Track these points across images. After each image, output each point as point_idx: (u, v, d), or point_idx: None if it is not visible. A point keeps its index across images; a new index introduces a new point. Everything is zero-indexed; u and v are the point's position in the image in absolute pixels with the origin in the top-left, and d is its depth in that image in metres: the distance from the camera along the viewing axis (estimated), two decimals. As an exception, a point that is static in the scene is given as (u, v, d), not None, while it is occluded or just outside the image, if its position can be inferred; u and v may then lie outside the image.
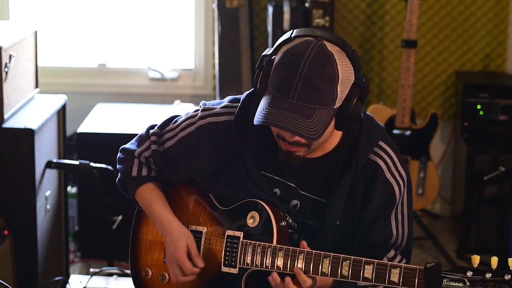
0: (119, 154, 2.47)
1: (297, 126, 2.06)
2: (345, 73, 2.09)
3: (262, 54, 2.18)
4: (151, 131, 2.41)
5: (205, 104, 2.38)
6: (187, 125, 2.35)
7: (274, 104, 2.08)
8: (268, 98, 2.11)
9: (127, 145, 2.46)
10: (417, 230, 4.53)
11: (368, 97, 5.22)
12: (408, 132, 4.56)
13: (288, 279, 2.17)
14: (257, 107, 2.14)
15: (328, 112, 2.08)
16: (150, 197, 2.39)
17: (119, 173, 2.45)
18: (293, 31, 2.15)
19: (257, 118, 2.10)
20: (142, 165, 2.40)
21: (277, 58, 2.13)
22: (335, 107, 2.09)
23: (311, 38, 2.11)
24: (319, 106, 2.07)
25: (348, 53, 2.10)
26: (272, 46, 2.20)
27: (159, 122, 2.43)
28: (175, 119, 2.40)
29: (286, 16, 4.49)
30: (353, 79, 2.11)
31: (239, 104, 2.28)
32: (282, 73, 2.09)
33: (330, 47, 2.09)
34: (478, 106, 4.59)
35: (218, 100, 2.39)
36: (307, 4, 4.53)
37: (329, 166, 2.25)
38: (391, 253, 2.27)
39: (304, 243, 2.19)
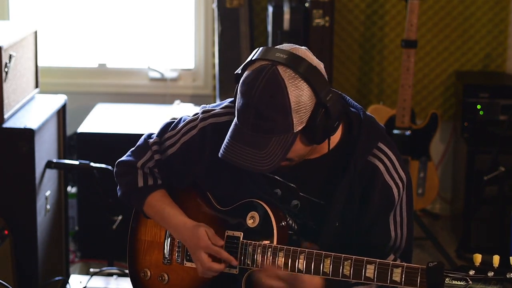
0: (116, 169, 2.44)
1: (249, 159, 2.07)
2: (299, 98, 2.05)
3: (235, 72, 2.18)
4: (151, 140, 2.39)
5: (204, 107, 2.38)
6: (188, 129, 2.35)
7: (233, 135, 2.11)
8: (232, 124, 2.13)
9: (124, 158, 2.44)
10: (417, 230, 4.52)
11: (368, 97, 5.21)
12: (408, 132, 4.56)
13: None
14: None
15: (287, 138, 2.08)
16: (160, 203, 2.38)
17: (122, 187, 2.43)
18: (258, 50, 2.13)
19: (221, 149, 2.13)
20: (147, 175, 2.39)
21: (240, 81, 2.13)
22: (295, 131, 2.08)
23: (267, 63, 2.08)
24: (273, 135, 2.07)
25: (302, 75, 2.06)
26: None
27: (156, 130, 2.42)
28: (172, 125, 2.39)
29: (286, 16, 4.49)
30: (314, 100, 2.08)
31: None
32: (239, 101, 2.10)
33: (283, 72, 2.06)
34: (478, 106, 4.58)
35: (218, 103, 2.39)
36: (307, 4, 4.53)
37: (328, 167, 2.25)
38: (391, 257, 2.26)
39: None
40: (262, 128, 2.06)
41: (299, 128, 2.08)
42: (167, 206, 2.37)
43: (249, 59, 2.14)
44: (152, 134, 2.42)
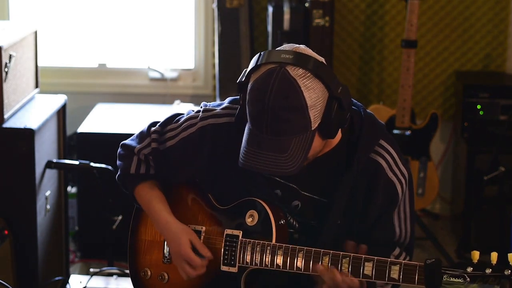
0: (119, 149, 2.46)
1: (272, 164, 2.07)
2: (314, 95, 2.06)
3: (237, 81, 2.17)
4: (153, 128, 2.40)
5: (206, 105, 2.38)
6: (188, 125, 2.35)
7: (251, 141, 2.09)
8: (247, 132, 2.12)
9: (128, 141, 2.45)
10: (417, 230, 4.51)
11: (368, 97, 5.21)
12: (408, 132, 4.56)
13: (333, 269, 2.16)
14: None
15: (306, 137, 2.08)
16: (149, 196, 2.39)
17: (119, 170, 2.44)
18: (261, 55, 2.13)
19: (240, 159, 2.11)
20: (141, 162, 2.40)
21: (248, 88, 2.12)
22: (313, 128, 2.09)
23: (275, 66, 2.08)
24: (293, 135, 2.07)
25: (313, 71, 2.07)
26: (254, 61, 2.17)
27: (161, 119, 2.43)
28: (177, 118, 2.40)
29: (286, 16, 4.49)
30: (327, 94, 2.09)
31: (240, 106, 2.28)
32: (252, 108, 2.09)
33: (294, 72, 2.06)
34: (478, 106, 4.58)
35: (218, 102, 2.39)
36: (307, 4, 4.53)
37: (330, 165, 2.25)
38: (397, 250, 2.27)
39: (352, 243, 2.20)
40: (281, 131, 2.06)
41: (316, 125, 2.09)
42: (154, 199, 2.38)
43: (252, 65, 2.13)
44: (157, 122, 2.43)
